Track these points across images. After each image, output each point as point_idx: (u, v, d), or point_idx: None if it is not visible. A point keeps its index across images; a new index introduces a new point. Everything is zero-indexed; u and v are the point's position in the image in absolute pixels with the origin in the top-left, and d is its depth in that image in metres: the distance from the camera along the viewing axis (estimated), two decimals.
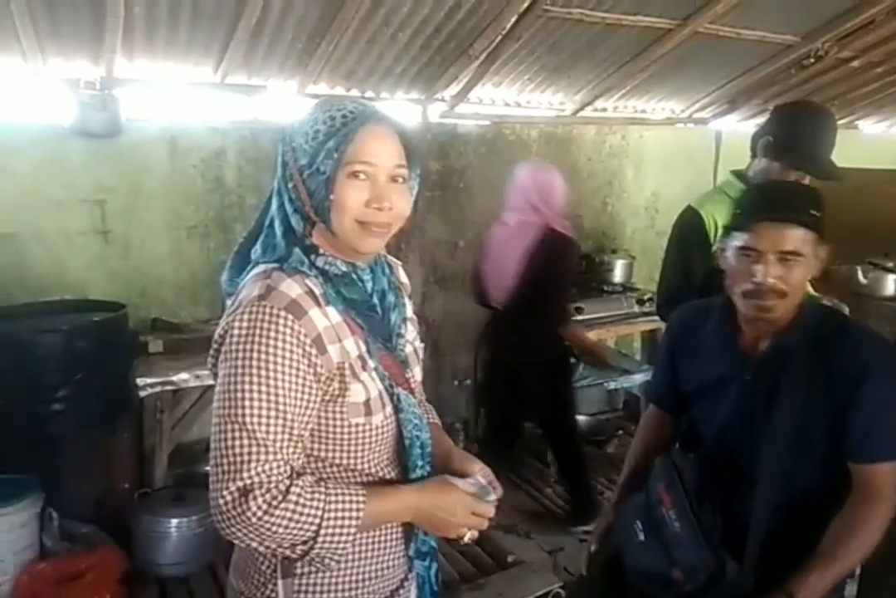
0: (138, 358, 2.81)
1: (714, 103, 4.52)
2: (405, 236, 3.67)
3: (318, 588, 1.08)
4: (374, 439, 1.08)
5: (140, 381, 2.65)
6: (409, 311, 1.23)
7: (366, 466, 1.09)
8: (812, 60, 3.92)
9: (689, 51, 3.59)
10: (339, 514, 0.98)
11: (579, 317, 3.59)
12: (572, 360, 3.24)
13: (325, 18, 2.77)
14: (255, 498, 0.94)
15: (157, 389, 2.69)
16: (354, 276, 1.11)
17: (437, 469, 1.16)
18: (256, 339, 0.97)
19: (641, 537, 1.47)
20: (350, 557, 1.08)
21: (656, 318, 2.73)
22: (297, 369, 0.99)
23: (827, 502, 1.40)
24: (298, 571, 1.08)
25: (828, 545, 1.35)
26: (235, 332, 0.99)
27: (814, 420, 1.38)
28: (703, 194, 2.28)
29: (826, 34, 3.63)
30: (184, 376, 2.70)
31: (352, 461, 1.08)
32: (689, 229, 2.12)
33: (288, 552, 0.99)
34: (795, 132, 1.97)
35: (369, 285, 1.13)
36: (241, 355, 0.98)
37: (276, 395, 0.97)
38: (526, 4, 2.93)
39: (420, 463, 1.12)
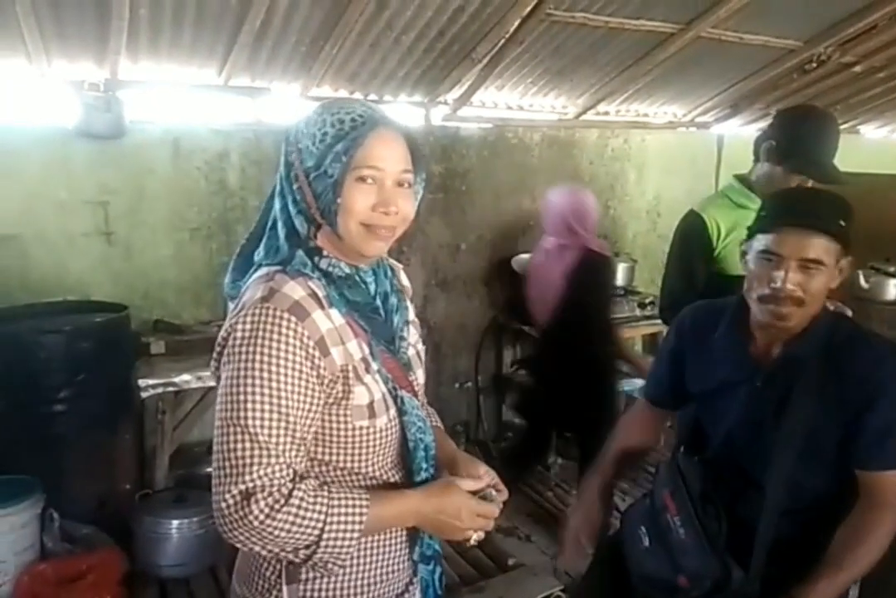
0: (140, 359, 2.82)
1: (716, 108, 4.52)
2: (407, 239, 3.68)
3: (323, 594, 1.08)
4: (378, 442, 1.07)
5: (142, 382, 2.66)
6: (411, 314, 1.23)
7: (370, 469, 1.08)
8: (814, 65, 3.92)
9: (692, 55, 3.59)
10: (343, 518, 0.98)
11: None
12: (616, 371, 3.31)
13: (328, 21, 2.78)
14: (257, 502, 0.93)
15: (159, 390, 2.69)
16: (358, 278, 1.11)
17: (442, 473, 1.16)
18: (259, 341, 0.97)
19: (647, 543, 1.47)
20: (355, 562, 1.07)
21: (658, 321, 2.75)
22: (301, 371, 0.98)
23: (833, 509, 1.40)
24: (303, 576, 1.07)
25: (835, 554, 1.34)
26: (238, 334, 0.99)
27: (824, 428, 1.37)
28: (705, 198, 2.28)
29: (828, 39, 3.63)
30: (185, 377, 2.71)
31: (356, 465, 1.07)
32: (692, 233, 2.12)
33: (291, 557, 0.99)
34: (798, 137, 1.97)
35: (372, 287, 1.13)
36: (243, 357, 0.97)
37: (279, 397, 0.96)
38: (529, 8, 2.94)
39: (424, 466, 1.12)
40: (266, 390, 0.96)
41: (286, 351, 0.97)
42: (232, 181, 3.30)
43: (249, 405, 0.96)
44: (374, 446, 1.07)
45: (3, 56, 2.65)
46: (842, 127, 2.16)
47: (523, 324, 3.65)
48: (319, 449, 1.06)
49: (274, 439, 0.96)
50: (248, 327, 0.98)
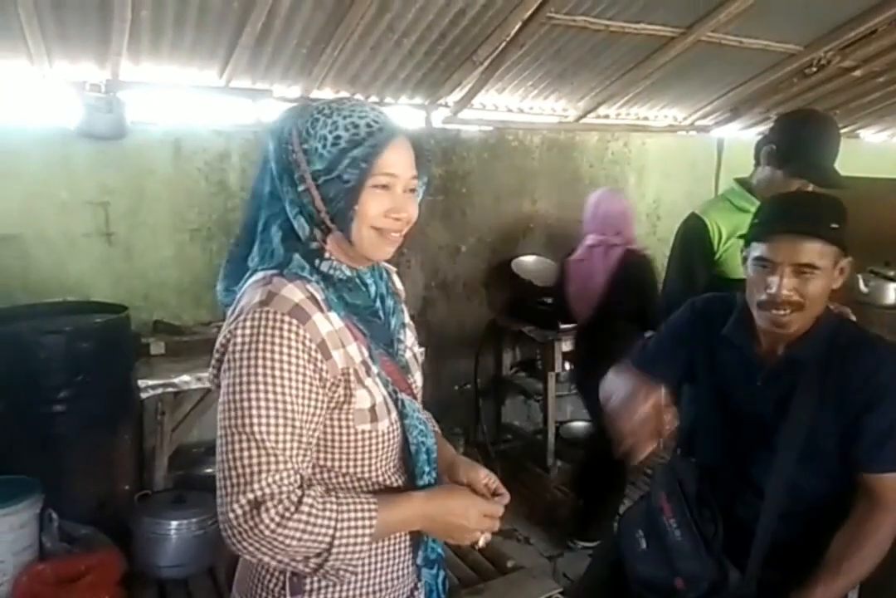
0: (140, 360, 2.82)
1: (716, 111, 4.53)
2: (407, 241, 3.67)
3: None
4: (381, 447, 1.06)
5: (141, 383, 2.65)
6: (406, 316, 1.22)
7: (373, 474, 1.07)
8: (814, 69, 3.94)
9: (692, 59, 3.60)
10: (353, 523, 0.96)
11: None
12: None
13: (330, 24, 2.79)
14: (267, 510, 0.91)
15: (159, 391, 2.69)
16: (359, 281, 1.10)
17: (442, 479, 1.15)
18: (261, 345, 0.95)
19: (643, 545, 1.47)
20: (360, 569, 1.05)
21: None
22: (304, 374, 0.97)
23: (832, 512, 1.40)
24: (307, 588, 1.05)
25: (834, 558, 1.34)
26: (238, 339, 0.96)
27: (825, 430, 1.37)
28: (706, 202, 2.28)
29: (828, 43, 3.65)
30: (185, 378, 2.70)
31: (359, 470, 1.06)
32: (693, 237, 2.12)
33: (301, 566, 0.96)
34: (799, 140, 1.97)
35: (373, 290, 1.12)
36: (245, 362, 0.95)
37: (284, 402, 0.94)
38: (530, 11, 2.95)
39: (427, 469, 1.11)
40: (271, 395, 0.94)
41: (289, 354, 0.96)
42: (232, 182, 3.30)
43: (255, 411, 0.93)
44: (377, 450, 1.06)
45: (4, 57, 2.65)
46: (841, 131, 2.16)
47: (522, 326, 3.68)
48: (322, 455, 1.04)
49: (281, 445, 0.94)
50: (248, 331, 0.96)
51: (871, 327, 1.56)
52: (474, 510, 1.07)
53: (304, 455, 0.98)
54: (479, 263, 4.03)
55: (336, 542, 0.94)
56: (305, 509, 0.93)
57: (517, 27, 3.06)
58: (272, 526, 0.91)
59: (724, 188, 2.30)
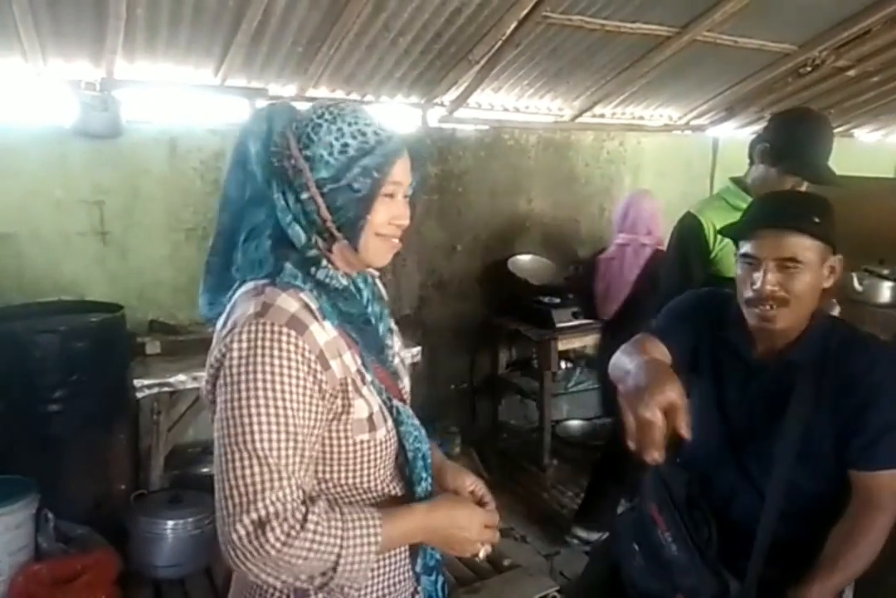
0: (135, 359, 2.81)
1: (711, 111, 4.54)
2: (402, 240, 3.68)
3: None
4: (379, 455, 1.05)
5: (137, 382, 2.64)
6: (392, 321, 1.20)
7: (371, 483, 1.06)
8: (809, 69, 3.95)
9: (688, 58, 3.61)
10: (358, 540, 0.93)
11: (575, 321, 3.60)
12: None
13: (326, 22, 2.78)
14: (272, 529, 0.87)
15: (154, 390, 2.68)
16: (353, 288, 1.09)
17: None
18: (259, 358, 0.92)
19: (640, 560, 1.47)
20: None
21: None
22: (304, 387, 0.94)
23: (828, 511, 1.40)
24: None
25: (829, 555, 1.34)
26: (235, 354, 0.93)
27: (821, 430, 1.37)
28: (702, 201, 2.29)
29: (823, 43, 3.66)
30: (181, 377, 2.70)
31: (357, 480, 1.05)
32: (689, 235, 2.13)
33: (306, 585, 0.94)
34: (793, 139, 1.98)
35: (366, 295, 1.11)
36: (243, 377, 0.92)
37: (286, 416, 0.92)
38: (526, 11, 2.95)
39: (424, 475, 1.10)
40: (272, 410, 0.91)
41: (289, 367, 0.93)
42: None
43: (255, 427, 0.90)
44: (375, 459, 1.05)
45: None
46: (836, 131, 2.18)
47: (518, 325, 3.69)
48: (320, 468, 1.02)
49: (284, 461, 0.91)
50: (245, 345, 0.93)
51: (864, 326, 1.57)
52: (476, 522, 1.06)
53: (307, 469, 0.95)
54: (474, 262, 4.03)
55: (342, 561, 0.92)
56: (311, 526, 0.90)
57: (513, 26, 3.06)
58: (278, 546, 0.88)
59: (719, 187, 2.31)
